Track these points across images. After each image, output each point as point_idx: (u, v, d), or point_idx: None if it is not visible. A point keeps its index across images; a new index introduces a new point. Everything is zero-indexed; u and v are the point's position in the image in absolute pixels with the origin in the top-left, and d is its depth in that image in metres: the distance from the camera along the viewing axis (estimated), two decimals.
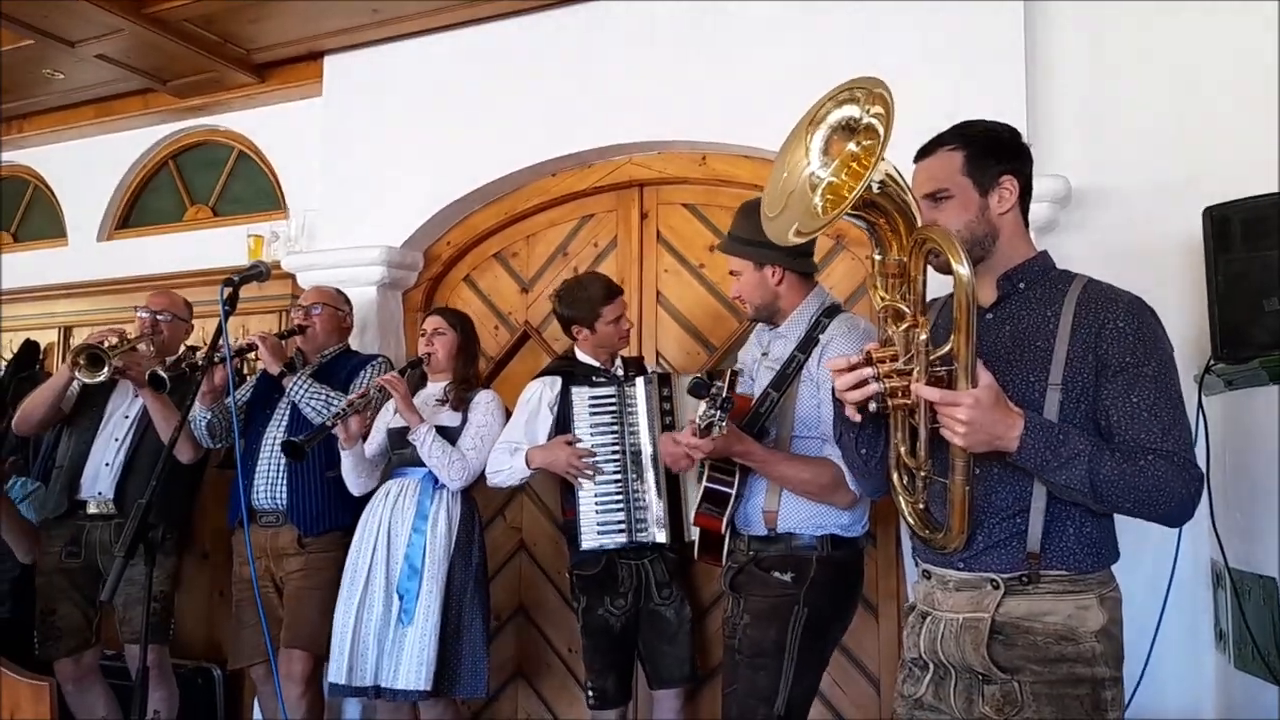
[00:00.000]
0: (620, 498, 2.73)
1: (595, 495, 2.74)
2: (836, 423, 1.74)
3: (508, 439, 2.87)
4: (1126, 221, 2.79)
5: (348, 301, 3.39)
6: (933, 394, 1.47)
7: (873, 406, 1.54)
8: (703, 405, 2.08)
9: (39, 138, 4.66)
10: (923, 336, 1.48)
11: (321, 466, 3.05)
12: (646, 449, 2.73)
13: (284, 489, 3.06)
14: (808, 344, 2.28)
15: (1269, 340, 2.26)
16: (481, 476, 2.93)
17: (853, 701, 3.08)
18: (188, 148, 4.51)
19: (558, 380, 2.89)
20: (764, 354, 2.42)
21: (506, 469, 2.83)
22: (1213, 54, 2.76)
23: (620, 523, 2.73)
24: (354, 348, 3.43)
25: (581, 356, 2.94)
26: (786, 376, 2.27)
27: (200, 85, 4.08)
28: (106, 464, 3.23)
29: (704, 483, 2.30)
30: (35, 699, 1.98)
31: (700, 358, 3.39)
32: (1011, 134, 1.73)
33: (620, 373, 2.93)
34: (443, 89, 3.69)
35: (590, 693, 2.81)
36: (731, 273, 2.42)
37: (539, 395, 2.88)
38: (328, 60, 3.92)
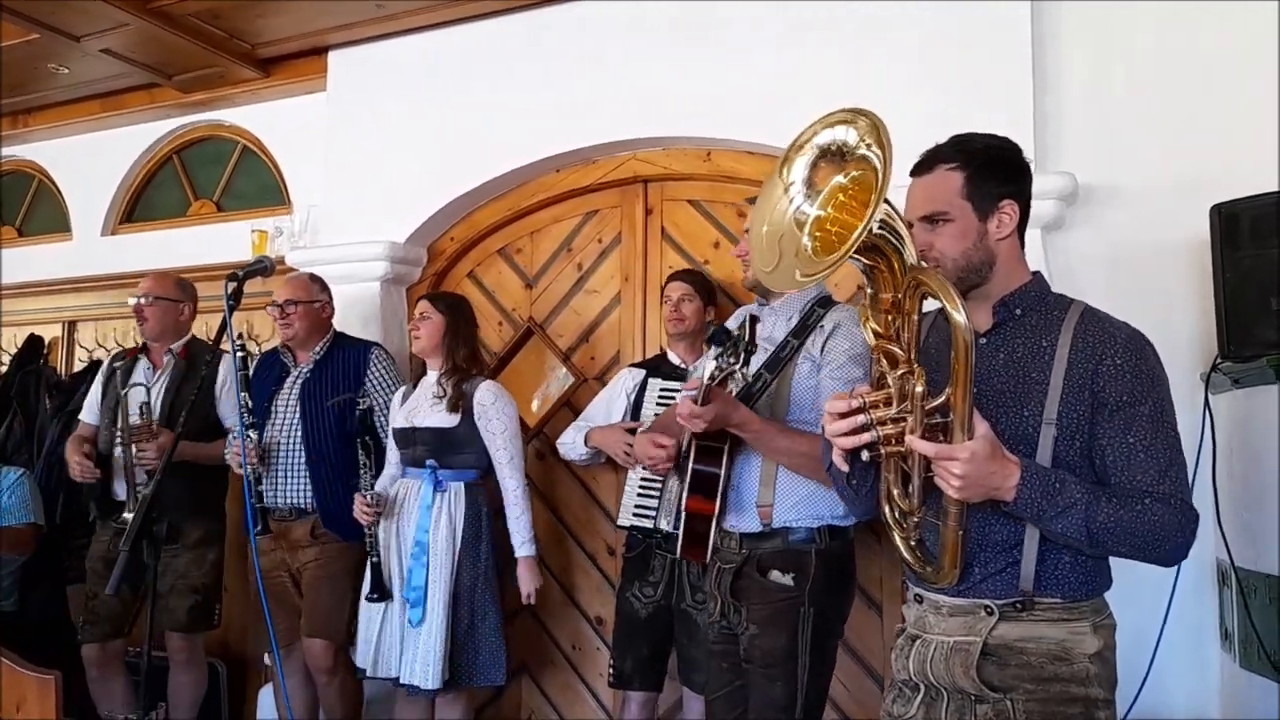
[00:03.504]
0: (659, 487, 2.78)
1: (640, 479, 2.85)
2: (825, 455, 1.68)
3: (587, 416, 3.15)
4: (1134, 219, 2.78)
5: (325, 289, 3.30)
6: (928, 449, 1.41)
7: (865, 456, 1.51)
8: (711, 362, 2.04)
9: (44, 132, 4.66)
10: (919, 389, 1.42)
11: (347, 476, 3.07)
12: (684, 444, 2.77)
13: (298, 490, 3.11)
14: (803, 331, 2.22)
15: (1276, 338, 2.25)
16: (491, 471, 3.02)
17: (856, 699, 3.07)
18: (192, 143, 4.51)
19: (641, 372, 3.10)
20: None
21: (570, 443, 3.12)
22: (1221, 51, 2.74)
23: (652, 509, 2.80)
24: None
25: (671, 356, 3.08)
26: (780, 359, 2.21)
27: (205, 80, 4.08)
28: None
29: (691, 465, 2.21)
30: (41, 692, 1.97)
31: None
32: (1013, 151, 1.65)
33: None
34: (447, 84, 3.69)
35: (611, 668, 2.95)
36: (747, 231, 2.32)
37: (621, 382, 3.13)
38: (332, 55, 3.92)
